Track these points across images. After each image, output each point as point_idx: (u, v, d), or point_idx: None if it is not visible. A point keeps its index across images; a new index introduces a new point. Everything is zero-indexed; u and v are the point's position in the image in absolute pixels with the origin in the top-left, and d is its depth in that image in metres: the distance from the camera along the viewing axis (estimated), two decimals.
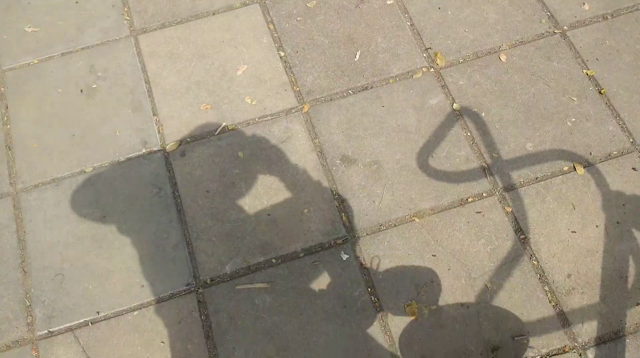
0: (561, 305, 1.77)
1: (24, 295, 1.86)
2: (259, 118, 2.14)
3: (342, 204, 1.95)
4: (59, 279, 1.88)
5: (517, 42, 2.23)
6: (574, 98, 2.09)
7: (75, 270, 1.89)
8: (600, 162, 1.98)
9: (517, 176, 1.97)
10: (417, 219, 1.92)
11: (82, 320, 1.82)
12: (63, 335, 1.81)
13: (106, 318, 1.83)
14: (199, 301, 1.83)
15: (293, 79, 2.21)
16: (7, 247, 1.93)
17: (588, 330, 1.74)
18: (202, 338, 1.78)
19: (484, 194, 1.95)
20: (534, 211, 1.91)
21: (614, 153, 2.00)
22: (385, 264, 1.85)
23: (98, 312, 1.83)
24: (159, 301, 1.84)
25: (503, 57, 2.20)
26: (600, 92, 2.11)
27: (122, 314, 1.83)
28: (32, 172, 2.06)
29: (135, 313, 1.83)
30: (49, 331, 1.81)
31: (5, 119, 2.17)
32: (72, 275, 1.89)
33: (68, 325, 1.82)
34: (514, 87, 2.14)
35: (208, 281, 1.86)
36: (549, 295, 1.79)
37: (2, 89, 2.22)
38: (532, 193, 1.94)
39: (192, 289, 1.85)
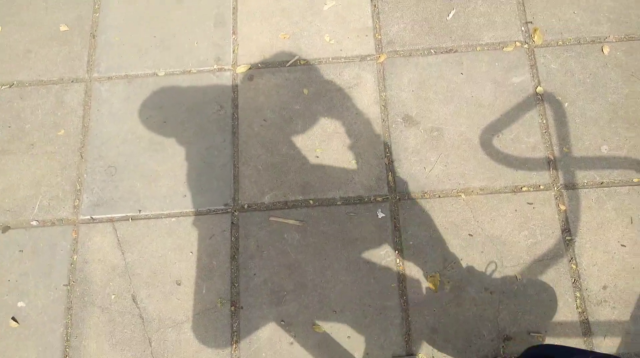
0: (588, 313, 1.85)
1: (76, 179, 2.15)
2: (332, 58, 2.27)
3: (391, 164, 2.08)
4: (111, 171, 2.15)
5: (626, 36, 2.21)
6: None
7: (128, 166, 2.14)
8: None
9: (581, 176, 2.01)
10: (463, 196, 2.02)
11: (123, 214, 2.08)
12: (103, 224, 2.08)
13: (146, 217, 2.08)
14: (232, 223, 2.05)
15: (377, 26, 2.31)
16: (72, 130, 2.21)
17: (609, 344, 1.81)
18: (227, 257, 2.01)
19: (541, 187, 2.01)
20: (588, 216, 1.96)
21: None
22: (420, 232, 1.98)
23: (140, 210, 2.09)
24: (197, 214, 2.07)
25: (606, 50, 2.19)
26: None
27: (161, 217, 2.08)
28: (109, 64, 2.31)
29: (173, 219, 2.07)
30: (91, 217, 2.09)
31: (97, 7, 2.41)
32: (124, 170, 2.14)
33: (110, 215, 2.09)
34: (607, 83, 2.14)
35: (245, 206, 2.07)
36: (578, 301, 1.87)
37: None
38: (592, 196, 1.98)
39: (229, 210, 2.07)
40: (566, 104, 2.12)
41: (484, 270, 1.91)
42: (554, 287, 1.88)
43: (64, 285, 2.02)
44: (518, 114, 2.12)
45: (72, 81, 2.29)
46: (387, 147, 2.10)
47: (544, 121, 2.10)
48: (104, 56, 2.33)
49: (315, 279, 1.96)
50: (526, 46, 2.23)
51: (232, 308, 1.95)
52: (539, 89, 2.15)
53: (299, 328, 1.91)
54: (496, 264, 1.93)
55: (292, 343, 1.89)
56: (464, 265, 1.93)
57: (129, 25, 2.37)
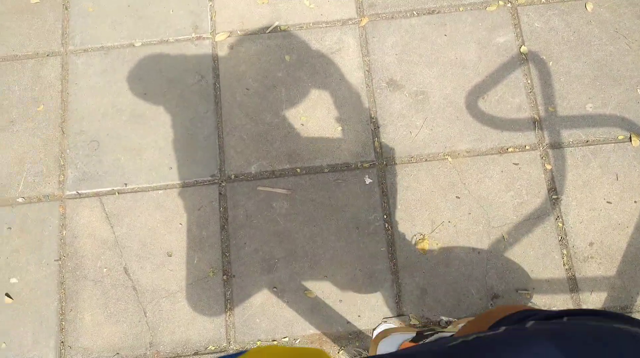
0: (574, 270, 1.97)
1: (59, 154, 2.20)
2: (313, 23, 2.33)
3: (377, 129, 2.16)
4: (94, 146, 2.21)
5: None
6: None
7: (110, 140, 2.20)
8: None
9: (567, 134, 2.11)
10: (450, 159, 2.12)
11: (109, 189, 2.15)
12: (90, 199, 2.15)
13: (133, 191, 2.15)
14: (220, 193, 2.13)
15: None
16: (51, 105, 2.26)
17: (595, 299, 1.94)
18: (217, 228, 2.09)
19: (527, 147, 2.11)
20: (574, 174, 2.07)
21: None
22: (407, 196, 2.09)
23: (126, 184, 2.16)
24: (184, 186, 2.14)
25: (589, 6, 2.27)
26: None
27: (148, 191, 2.15)
28: (84, 36, 2.34)
29: (160, 191, 2.14)
30: (77, 192, 2.16)
31: None
32: (107, 144, 2.20)
33: (96, 190, 2.15)
34: (592, 40, 2.23)
35: (232, 176, 2.15)
36: (565, 258, 1.98)
37: None
38: (577, 155, 2.09)
39: (215, 181, 2.14)
40: (550, 63, 2.21)
41: (471, 231, 2.03)
42: (540, 245, 2.00)
43: (55, 260, 2.09)
44: (503, 75, 2.20)
45: (47, 55, 2.32)
46: (372, 112, 2.18)
47: (529, 81, 2.19)
48: (78, 28, 2.36)
49: (305, 246, 2.05)
50: (509, 4, 2.30)
51: (224, 277, 2.04)
52: (523, 48, 2.23)
53: (291, 294, 2.01)
54: (484, 223, 2.05)
55: (285, 308, 2.00)
56: (452, 227, 2.04)
57: None
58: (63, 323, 2.04)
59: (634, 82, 2.15)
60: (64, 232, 2.12)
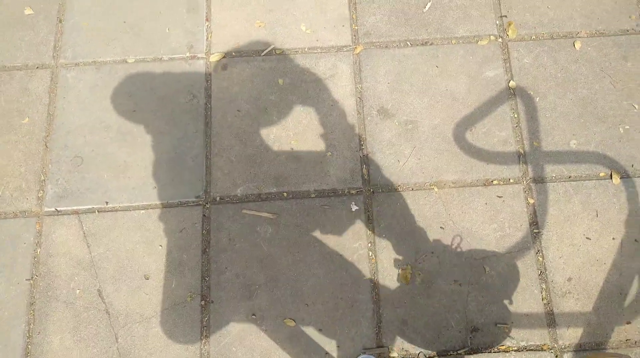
0: (553, 305, 2.02)
1: (40, 169, 2.21)
2: (308, 49, 2.38)
3: (366, 157, 2.21)
4: (78, 161, 2.22)
5: (597, 32, 2.38)
6: (636, 105, 2.25)
7: (95, 156, 2.22)
8: (639, 176, 2.18)
9: (550, 170, 2.18)
10: (436, 189, 2.17)
11: (89, 206, 2.16)
12: (68, 217, 2.16)
13: (113, 210, 2.16)
14: (204, 215, 2.15)
15: (354, 16, 2.43)
16: (36, 118, 2.27)
17: (572, 335, 1.99)
18: (198, 251, 2.11)
19: (511, 181, 2.17)
20: (555, 209, 2.13)
21: None
22: (393, 225, 2.13)
23: (107, 202, 2.17)
24: (167, 206, 2.16)
25: (577, 45, 2.35)
26: None
27: (130, 210, 2.16)
28: (77, 50, 2.37)
29: (142, 211, 2.16)
30: (56, 209, 2.16)
31: None
32: (91, 160, 2.22)
33: (75, 208, 2.16)
34: (578, 78, 2.31)
35: (217, 198, 2.17)
36: (543, 292, 2.04)
37: None
38: (560, 190, 2.15)
39: (200, 202, 2.17)
40: (537, 98, 2.28)
41: (454, 262, 2.08)
42: (521, 279, 2.06)
43: (26, 280, 2.08)
44: (490, 108, 2.27)
45: (37, 67, 2.35)
46: (362, 139, 2.23)
47: (516, 115, 2.26)
48: (71, 42, 2.39)
49: (287, 272, 2.08)
50: (500, 40, 2.38)
51: (202, 302, 2.06)
52: (512, 83, 2.31)
53: (270, 322, 2.03)
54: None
55: (263, 337, 2.01)
56: (435, 257, 2.09)
57: (97, 9, 2.44)
58: (29, 346, 2.02)
59: (617, 121, 2.23)
60: (39, 250, 2.12)
